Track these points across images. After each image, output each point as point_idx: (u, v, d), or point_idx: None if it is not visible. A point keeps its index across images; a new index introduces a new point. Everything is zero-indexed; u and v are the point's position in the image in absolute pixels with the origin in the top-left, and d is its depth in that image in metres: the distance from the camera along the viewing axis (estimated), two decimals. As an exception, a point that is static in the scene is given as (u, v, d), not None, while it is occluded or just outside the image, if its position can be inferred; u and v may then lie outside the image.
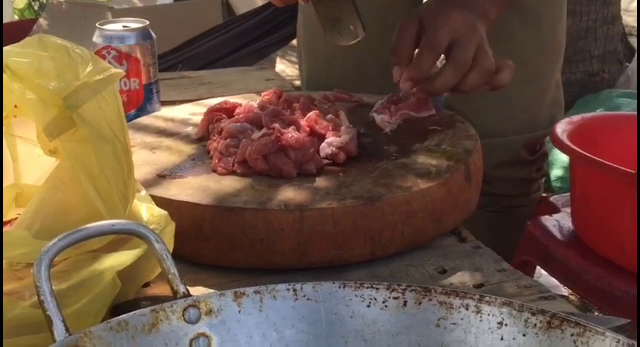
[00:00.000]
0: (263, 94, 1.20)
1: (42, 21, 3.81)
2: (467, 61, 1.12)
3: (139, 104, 1.33)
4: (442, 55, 1.15)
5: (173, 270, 0.69)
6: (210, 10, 3.86)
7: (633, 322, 0.92)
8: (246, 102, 1.17)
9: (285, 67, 3.95)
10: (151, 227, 0.82)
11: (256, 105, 1.13)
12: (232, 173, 1.02)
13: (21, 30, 3.58)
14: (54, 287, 0.64)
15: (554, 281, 1.88)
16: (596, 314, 2.29)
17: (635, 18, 4.19)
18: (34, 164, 0.96)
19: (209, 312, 0.68)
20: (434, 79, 1.13)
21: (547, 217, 1.71)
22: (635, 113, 1.70)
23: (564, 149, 1.54)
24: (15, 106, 0.87)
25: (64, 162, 0.85)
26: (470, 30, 1.14)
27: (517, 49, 1.43)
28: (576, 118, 1.66)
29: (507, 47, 1.30)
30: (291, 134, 1.03)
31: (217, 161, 1.04)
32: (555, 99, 1.59)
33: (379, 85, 1.29)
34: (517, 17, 1.41)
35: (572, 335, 0.63)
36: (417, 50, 1.16)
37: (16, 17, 4.95)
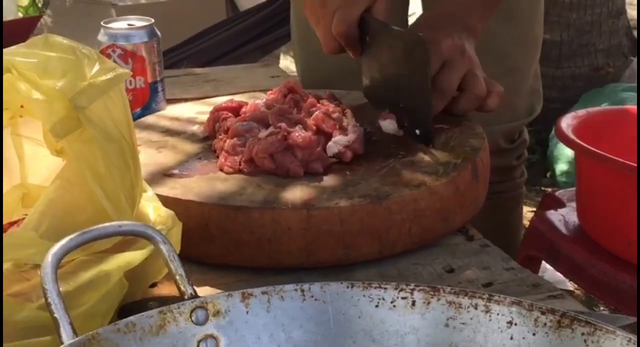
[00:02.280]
0: (268, 92, 1.20)
1: (46, 18, 3.82)
2: (450, 86, 1.13)
3: (145, 102, 1.33)
4: None
5: (180, 271, 0.69)
6: (213, 6, 3.86)
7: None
8: (252, 100, 1.17)
9: (290, 63, 3.95)
10: (158, 227, 0.82)
11: (262, 104, 1.13)
12: (239, 172, 1.02)
13: (25, 27, 3.58)
14: (60, 289, 0.64)
15: (559, 276, 1.88)
16: (602, 308, 2.29)
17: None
18: (40, 164, 0.96)
19: (217, 313, 0.67)
20: None
21: (552, 211, 1.71)
22: (641, 107, 1.70)
23: (569, 143, 1.53)
24: (22, 106, 0.87)
25: (71, 162, 0.85)
26: (458, 55, 1.15)
27: (496, 43, 1.45)
28: (581, 112, 1.66)
29: (487, 40, 1.31)
30: (298, 133, 1.03)
31: (223, 160, 1.03)
32: (533, 89, 1.61)
33: None
34: (496, 12, 1.42)
35: (582, 334, 0.63)
36: None
37: (20, 14, 4.95)
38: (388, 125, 1.15)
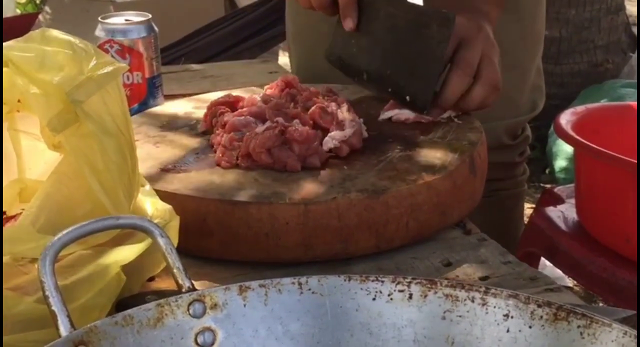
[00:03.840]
0: (266, 87, 1.20)
1: (44, 15, 3.81)
2: (472, 62, 1.13)
3: (142, 97, 1.33)
4: None
5: (177, 264, 0.69)
6: (212, 3, 3.86)
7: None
8: (249, 95, 1.17)
9: (288, 60, 3.94)
10: (155, 221, 0.82)
11: (259, 99, 1.13)
12: (236, 166, 1.02)
13: (23, 24, 3.58)
14: (58, 282, 0.64)
15: (558, 272, 1.88)
16: (600, 304, 2.29)
17: None
18: (37, 158, 0.96)
19: (214, 306, 0.67)
20: (443, 90, 1.13)
21: (551, 208, 1.71)
22: (640, 103, 1.70)
23: (568, 139, 1.54)
24: (19, 100, 0.87)
25: (68, 157, 0.84)
26: (475, 32, 1.15)
27: (498, 38, 1.45)
28: (580, 108, 1.67)
29: None
30: (295, 127, 1.03)
31: (220, 155, 1.04)
32: (536, 85, 1.61)
33: None
34: None
35: (579, 327, 0.63)
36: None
37: (18, 11, 4.95)
38: (402, 116, 1.16)
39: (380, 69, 1.20)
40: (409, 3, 1.19)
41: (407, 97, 1.15)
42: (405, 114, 1.16)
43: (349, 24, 1.21)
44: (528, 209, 2.79)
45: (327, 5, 1.21)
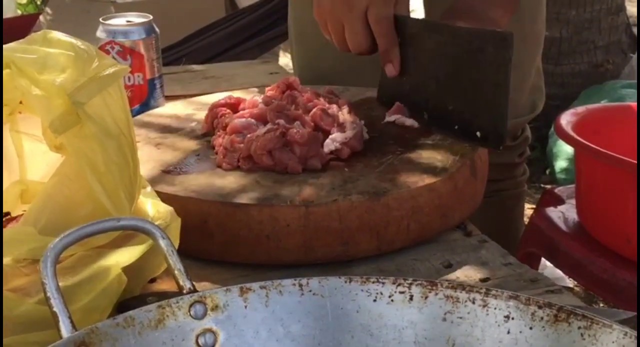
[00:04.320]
0: (267, 89, 1.20)
1: (45, 15, 3.81)
2: None
3: (143, 99, 1.33)
4: None
5: (179, 266, 0.69)
6: (212, 4, 3.86)
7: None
8: (250, 97, 1.17)
9: (289, 61, 3.93)
10: (156, 223, 0.82)
11: (260, 100, 1.13)
12: (237, 168, 1.02)
13: (24, 24, 3.57)
14: (59, 283, 0.64)
15: (558, 272, 1.88)
16: (601, 305, 2.29)
17: (640, 8, 4.17)
18: (39, 160, 0.96)
19: (215, 308, 0.68)
20: None
21: (551, 208, 1.71)
22: (640, 104, 1.70)
23: (569, 140, 1.54)
24: (21, 102, 0.87)
25: (70, 158, 0.85)
26: None
27: None
28: (580, 109, 1.67)
29: None
30: (296, 129, 1.03)
31: (221, 157, 1.04)
32: (535, 85, 1.61)
33: (369, 78, 1.29)
34: None
35: (579, 328, 0.63)
36: None
37: (19, 12, 4.95)
38: (401, 120, 1.15)
39: (440, 105, 1.11)
40: (457, 26, 1.10)
41: (478, 133, 1.06)
42: (411, 121, 1.15)
43: (391, 71, 1.16)
44: (528, 209, 2.79)
45: (366, 48, 1.15)
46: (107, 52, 1.28)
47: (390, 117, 1.16)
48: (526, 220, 2.02)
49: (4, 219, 0.93)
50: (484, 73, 1.04)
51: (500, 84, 1.02)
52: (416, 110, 1.15)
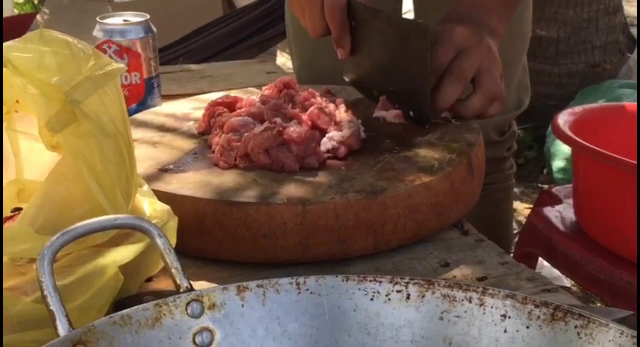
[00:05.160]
0: (264, 88, 1.20)
1: (42, 15, 3.81)
2: (464, 72, 1.14)
3: (140, 98, 1.33)
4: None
5: (175, 264, 0.69)
6: (210, 4, 3.85)
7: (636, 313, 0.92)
8: (247, 95, 1.17)
9: (286, 60, 3.95)
10: (153, 221, 0.82)
11: (257, 99, 1.13)
12: (234, 167, 1.02)
13: (21, 24, 3.58)
14: (56, 282, 0.64)
15: (556, 272, 1.88)
16: (598, 305, 2.29)
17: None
18: (35, 159, 0.96)
19: (212, 306, 0.68)
20: (437, 96, 1.14)
21: (549, 208, 1.71)
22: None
23: (566, 139, 1.54)
24: (17, 101, 0.87)
25: (66, 157, 0.84)
26: (475, 44, 1.16)
27: None
28: (578, 109, 1.67)
29: None
30: (293, 128, 1.03)
31: (218, 155, 1.04)
32: (522, 83, 1.63)
33: None
34: None
35: (576, 327, 0.63)
36: None
37: (16, 11, 4.94)
38: (390, 115, 1.17)
39: (385, 86, 1.21)
40: (391, 16, 1.20)
41: (411, 113, 1.16)
42: (392, 114, 1.17)
43: (342, 54, 1.23)
44: (526, 209, 2.80)
45: (321, 32, 1.23)
46: (104, 52, 1.28)
47: (377, 113, 1.18)
48: (523, 220, 2.02)
49: (13, 215, 0.93)
50: (409, 59, 1.14)
51: (421, 71, 1.12)
52: (368, 89, 1.25)
